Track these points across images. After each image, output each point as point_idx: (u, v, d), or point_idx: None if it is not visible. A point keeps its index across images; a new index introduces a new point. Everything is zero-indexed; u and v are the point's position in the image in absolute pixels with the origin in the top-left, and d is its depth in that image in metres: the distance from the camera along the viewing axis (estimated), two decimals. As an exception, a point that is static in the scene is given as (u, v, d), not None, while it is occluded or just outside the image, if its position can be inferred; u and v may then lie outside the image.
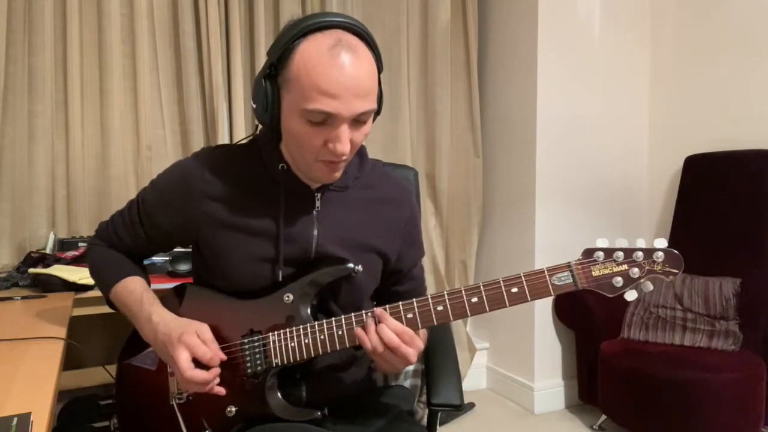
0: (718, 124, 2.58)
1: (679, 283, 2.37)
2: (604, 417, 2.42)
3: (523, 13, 2.71)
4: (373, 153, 1.13)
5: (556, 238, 2.70)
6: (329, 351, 0.97)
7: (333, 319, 0.97)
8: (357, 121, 0.92)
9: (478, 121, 2.92)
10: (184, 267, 1.88)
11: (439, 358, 1.27)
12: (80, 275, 1.69)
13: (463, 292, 0.93)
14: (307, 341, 0.97)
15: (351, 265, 1.01)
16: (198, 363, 0.94)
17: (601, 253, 0.91)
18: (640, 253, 0.90)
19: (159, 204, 1.08)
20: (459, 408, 1.17)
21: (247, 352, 0.99)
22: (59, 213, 2.18)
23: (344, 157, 0.94)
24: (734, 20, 2.50)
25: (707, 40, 2.62)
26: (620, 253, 0.91)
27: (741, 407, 2.02)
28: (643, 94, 2.90)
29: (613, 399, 2.29)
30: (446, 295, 0.94)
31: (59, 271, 1.72)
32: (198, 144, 2.37)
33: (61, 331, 1.19)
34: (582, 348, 2.59)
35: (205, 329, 0.97)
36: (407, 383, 1.37)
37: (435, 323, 0.94)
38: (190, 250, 1.13)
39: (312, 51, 0.87)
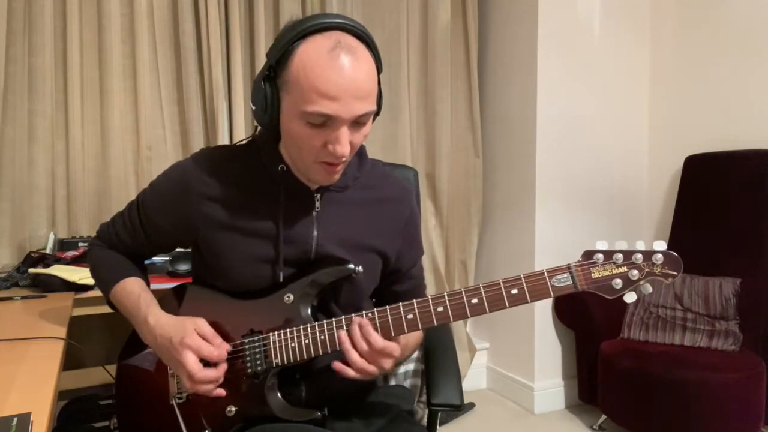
0: (718, 124, 2.58)
1: (679, 283, 2.37)
2: (604, 417, 2.42)
3: (523, 13, 2.71)
4: (373, 153, 1.13)
5: (556, 238, 2.70)
6: (329, 351, 0.97)
7: (333, 319, 0.97)
8: (356, 123, 0.92)
9: (478, 121, 2.92)
10: (184, 267, 1.88)
11: (439, 358, 1.27)
12: (80, 275, 1.69)
13: (463, 293, 0.93)
14: (307, 341, 0.97)
15: (351, 265, 1.01)
16: (204, 361, 0.94)
17: (600, 255, 0.91)
18: (640, 255, 0.90)
19: (158, 205, 1.08)
20: (459, 408, 1.17)
21: (247, 352, 0.99)
22: (59, 213, 2.18)
23: (344, 159, 0.94)
24: (734, 20, 2.50)
25: (707, 40, 2.62)
26: (620, 255, 0.91)
27: (741, 407, 2.02)
28: (643, 94, 2.90)
29: (613, 399, 2.29)
30: (446, 297, 0.94)
31: (59, 271, 1.72)
32: (198, 144, 2.37)
33: (61, 331, 1.19)
34: (582, 348, 2.59)
35: (202, 324, 0.97)
36: (407, 383, 1.37)
37: (435, 324, 0.95)
38: (190, 250, 1.13)
39: (311, 53, 0.87)
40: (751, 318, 2.21)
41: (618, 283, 0.90)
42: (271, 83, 0.93)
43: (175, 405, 1.02)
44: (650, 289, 0.90)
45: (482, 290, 0.93)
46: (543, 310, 2.71)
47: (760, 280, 2.23)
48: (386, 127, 2.76)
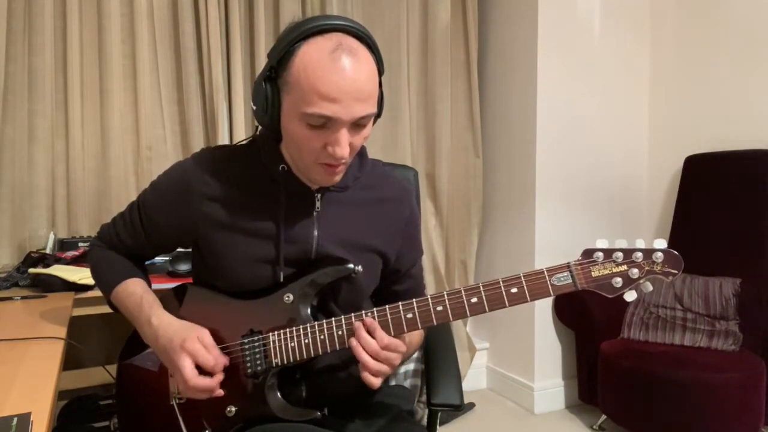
0: (718, 124, 2.58)
1: (679, 283, 2.37)
2: (604, 417, 2.42)
3: (523, 13, 2.71)
4: (373, 153, 1.13)
5: (556, 238, 2.70)
6: (329, 351, 0.97)
7: (333, 319, 0.97)
8: (357, 125, 0.92)
9: (478, 121, 2.92)
10: (184, 267, 1.88)
11: (439, 358, 1.27)
12: (80, 275, 1.69)
13: (462, 292, 0.93)
14: (307, 341, 0.97)
15: (351, 265, 1.01)
16: (201, 369, 0.94)
17: (600, 254, 0.91)
18: (640, 254, 0.90)
19: (159, 205, 1.08)
20: (459, 408, 1.17)
21: (247, 352, 0.99)
22: (59, 213, 2.18)
23: (344, 161, 0.94)
24: (734, 20, 2.50)
25: (707, 40, 2.62)
26: (620, 254, 0.91)
27: (741, 407, 2.02)
28: (643, 94, 2.90)
29: (613, 399, 2.29)
30: (446, 296, 0.94)
31: (59, 271, 1.72)
32: (198, 144, 2.37)
33: (61, 331, 1.19)
34: (582, 348, 2.59)
35: (205, 335, 0.97)
36: (407, 383, 1.37)
37: (434, 323, 0.95)
38: (190, 250, 1.13)
39: (312, 54, 0.87)
40: (751, 318, 2.20)
41: (618, 281, 0.90)
42: (272, 84, 0.93)
43: (175, 405, 1.02)
44: (650, 288, 0.90)
45: (482, 289, 0.93)
46: (543, 310, 2.71)
47: (760, 280, 2.23)
48: (386, 127, 2.76)
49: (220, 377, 0.95)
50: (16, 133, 2.10)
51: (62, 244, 2.02)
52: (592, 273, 0.91)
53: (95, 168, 2.23)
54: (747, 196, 2.35)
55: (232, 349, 1.00)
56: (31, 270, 1.78)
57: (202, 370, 0.94)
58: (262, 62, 2.44)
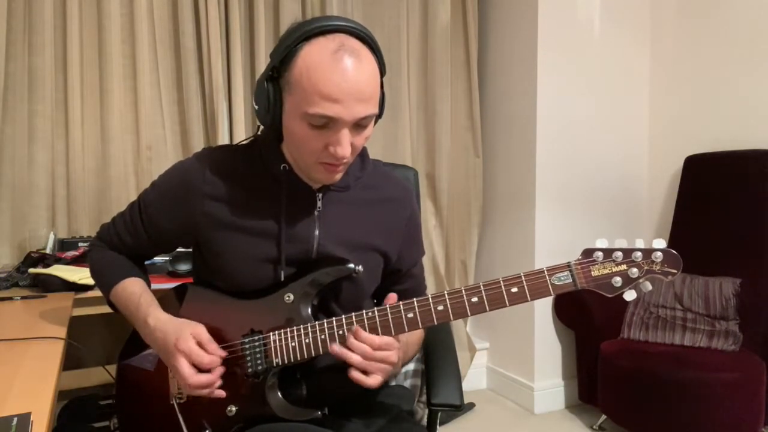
0: (718, 124, 2.58)
1: (679, 283, 2.37)
2: (604, 417, 2.42)
3: (523, 13, 2.71)
4: (373, 153, 1.13)
5: (556, 238, 2.70)
6: (330, 351, 0.97)
7: (334, 318, 0.97)
8: (358, 125, 0.92)
9: (478, 121, 2.92)
10: (184, 267, 1.88)
11: (439, 358, 1.27)
12: (80, 275, 1.69)
13: (463, 292, 0.93)
14: (307, 341, 0.97)
15: (352, 265, 1.01)
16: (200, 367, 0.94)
17: (600, 253, 0.91)
18: (639, 254, 0.90)
19: (160, 204, 1.08)
20: (459, 408, 1.17)
21: (247, 352, 0.99)
22: (59, 213, 2.18)
23: (345, 161, 0.94)
24: (734, 20, 2.51)
25: (707, 41, 2.62)
26: (619, 254, 0.91)
27: (741, 407, 2.02)
28: (643, 94, 2.90)
29: (613, 399, 2.29)
30: (446, 295, 0.94)
31: (59, 271, 1.72)
32: (198, 144, 2.37)
33: (61, 331, 1.19)
34: (582, 348, 2.59)
35: (200, 330, 0.97)
36: (407, 383, 1.37)
37: (435, 323, 0.95)
38: (191, 250, 1.13)
39: (314, 55, 0.88)
40: (751, 318, 2.20)
41: (618, 281, 0.90)
42: (274, 83, 0.93)
43: (175, 405, 1.02)
44: (650, 287, 0.90)
45: (482, 289, 0.93)
46: (543, 310, 2.71)
47: (760, 280, 2.23)
48: (386, 127, 2.76)
49: (219, 371, 0.95)
50: (16, 133, 2.10)
51: (62, 244, 2.01)
52: (592, 272, 0.91)
53: (95, 168, 2.23)
54: (747, 196, 2.35)
55: (232, 348, 1.00)
56: (31, 270, 1.78)
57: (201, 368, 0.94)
58: (262, 62, 2.44)
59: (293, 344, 0.98)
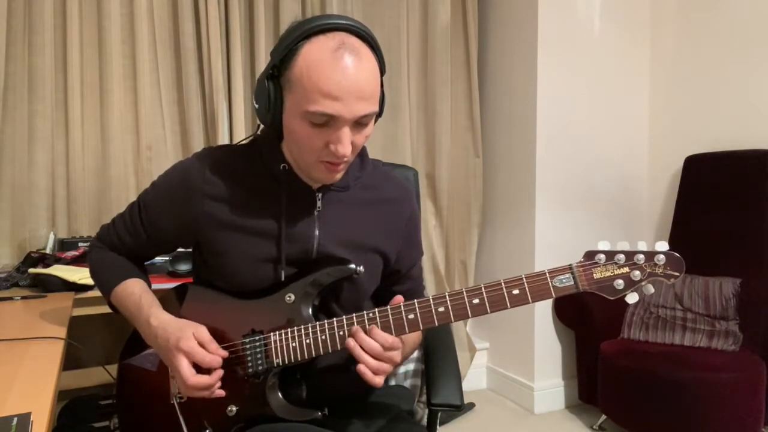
0: (718, 124, 2.58)
1: (679, 283, 2.37)
2: (604, 417, 2.42)
3: (523, 13, 2.71)
4: (373, 153, 1.13)
5: (556, 238, 2.70)
6: (330, 351, 0.97)
7: (334, 319, 0.97)
8: (358, 124, 0.92)
9: (478, 121, 2.92)
10: (184, 267, 1.87)
11: (439, 358, 1.27)
12: (80, 275, 1.69)
13: (464, 293, 0.93)
14: (308, 341, 0.97)
15: (353, 265, 1.01)
16: (200, 367, 0.94)
17: (602, 256, 0.91)
18: (642, 256, 0.90)
19: (160, 205, 1.08)
20: (459, 408, 1.17)
21: (248, 352, 0.99)
22: (59, 213, 2.18)
23: (345, 159, 0.94)
24: (734, 20, 2.51)
25: (707, 41, 2.62)
26: (621, 256, 0.91)
27: (741, 407, 2.02)
28: (643, 94, 2.90)
29: (613, 399, 2.29)
30: (448, 297, 0.94)
31: (59, 271, 1.72)
32: (198, 144, 2.37)
33: (61, 331, 1.19)
34: (582, 348, 2.59)
35: (202, 331, 0.97)
36: (407, 383, 1.38)
37: (436, 324, 0.95)
38: (191, 250, 1.13)
39: (315, 53, 0.88)
40: (751, 318, 2.21)
41: (620, 283, 0.90)
42: (274, 82, 0.93)
43: (176, 405, 1.02)
44: (652, 290, 0.90)
45: (483, 290, 0.93)
46: (543, 310, 2.71)
47: (760, 280, 2.23)
48: (386, 127, 2.76)
49: (219, 373, 0.95)
50: (16, 133, 2.10)
51: (62, 244, 2.01)
52: (594, 275, 0.91)
53: (95, 168, 2.23)
54: (747, 196, 2.35)
55: (233, 348, 1.00)
56: (31, 270, 1.78)
57: (201, 368, 0.94)
58: (262, 62, 2.44)
59: (294, 344, 0.98)
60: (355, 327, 0.95)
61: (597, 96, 2.77)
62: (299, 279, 1.01)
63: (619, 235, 2.72)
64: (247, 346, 0.99)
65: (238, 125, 2.42)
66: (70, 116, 2.16)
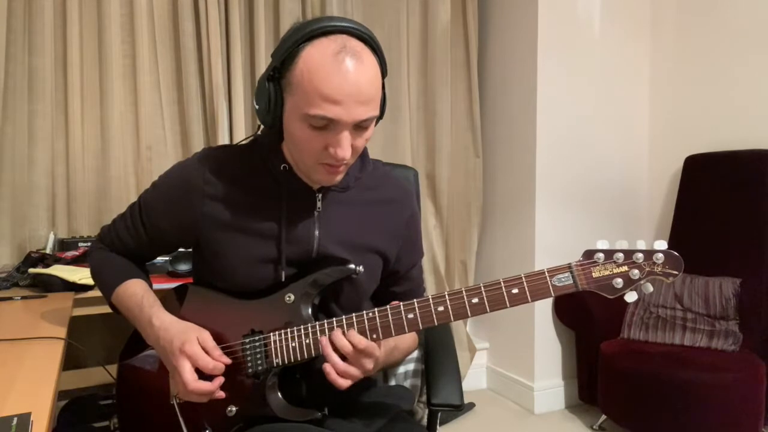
0: (718, 124, 2.58)
1: (679, 283, 2.37)
2: (604, 417, 2.42)
3: (523, 14, 2.71)
4: (373, 153, 1.13)
5: (556, 238, 2.70)
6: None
7: (334, 319, 0.97)
8: (359, 127, 0.92)
9: (478, 121, 2.92)
10: (184, 267, 1.87)
11: (439, 358, 1.27)
12: (80, 275, 1.69)
13: (464, 292, 0.93)
14: (308, 341, 0.97)
15: (352, 266, 1.01)
16: (201, 372, 0.94)
17: (601, 255, 0.91)
18: (641, 255, 0.90)
19: (161, 205, 1.08)
20: (459, 408, 1.17)
21: (248, 352, 0.99)
22: (59, 213, 2.18)
23: (345, 162, 0.94)
24: (734, 20, 2.50)
25: (707, 41, 2.62)
26: (620, 255, 0.91)
27: (741, 407, 2.02)
28: (643, 94, 2.90)
29: (613, 399, 2.29)
30: (447, 296, 0.94)
31: (59, 271, 1.72)
32: (198, 144, 2.37)
33: (61, 331, 1.19)
34: (582, 348, 2.59)
35: (206, 336, 0.97)
36: (407, 383, 1.37)
37: (436, 323, 0.95)
38: (191, 250, 1.13)
39: (316, 56, 0.88)
40: (751, 318, 2.21)
41: (619, 282, 0.90)
42: (275, 84, 0.93)
43: (175, 405, 1.02)
44: (651, 289, 0.90)
45: (483, 290, 0.93)
46: (543, 310, 2.71)
47: (760, 280, 2.23)
48: (386, 127, 2.76)
49: (220, 380, 0.95)
50: (16, 133, 2.10)
51: (62, 244, 2.01)
52: (593, 274, 0.91)
53: (95, 168, 2.23)
54: (747, 196, 2.35)
55: (233, 349, 1.00)
56: (31, 270, 1.78)
57: (202, 373, 0.94)
58: (262, 62, 2.44)
59: (293, 344, 0.98)
60: (336, 328, 0.95)
61: (597, 96, 2.77)
62: (299, 279, 1.01)
63: (619, 235, 2.71)
64: (247, 346, 1.00)
65: (238, 125, 2.42)
66: (70, 116, 2.16)
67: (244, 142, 1.10)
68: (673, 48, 2.78)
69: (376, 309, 0.96)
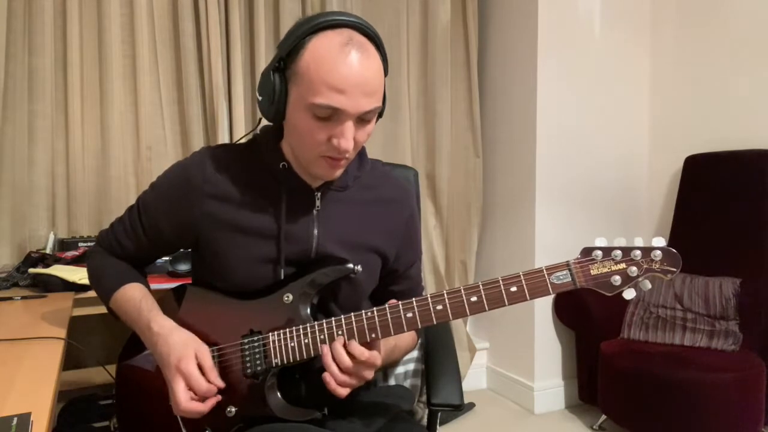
0: (718, 124, 2.58)
1: (679, 283, 2.36)
2: (604, 417, 2.42)
3: (523, 13, 2.71)
4: (373, 153, 1.13)
5: (556, 238, 2.70)
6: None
7: (333, 319, 0.97)
8: (362, 120, 0.93)
9: (478, 121, 2.92)
10: (183, 267, 1.87)
11: (439, 358, 1.27)
12: (80, 275, 1.69)
13: (462, 291, 0.93)
14: (306, 341, 0.97)
15: (351, 265, 1.01)
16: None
17: (599, 252, 0.91)
18: (639, 252, 0.90)
19: (160, 205, 1.08)
20: (459, 408, 1.17)
21: (247, 352, 0.99)
22: (59, 213, 2.18)
23: (347, 154, 0.94)
24: (734, 20, 2.50)
25: (707, 41, 2.62)
26: (618, 252, 0.91)
27: (741, 407, 2.02)
28: (643, 94, 2.90)
29: (613, 399, 2.29)
30: (445, 295, 0.94)
31: (59, 271, 1.72)
32: (198, 144, 2.37)
33: (61, 331, 1.19)
34: (582, 348, 2.59)
35: (204, 354, 0.96)
36: (407, 383, 1.37)
37: (434, 322, 0.94)
38: (190, 250, 1.13)
39: (323, 46, 0.89)
40: (751, 318, 2.20)
41: (617, 279, 0.90)
42: (280, 74, 0.94)
43: (175, 405, 1.02)
44: (649, 286, 0.90)
45: (481, 288, 0.93)
46: (543, 310, 2.71)
47: (760, 280, 2.22)
48: (386, 127, 2.76)
49: (212, 401, 0.94)
50: (16, 133, 2.10)
51: (62, 244, 2.02)
52: (591, 271, 0.91)
53: (95, 168, 2.23)
54: (747, 196, 2.35)
55: (231, 349, 1.00)
56: (31, 270, 1.78)
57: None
58: (262, 62, 2.44)
59: (292, 344, 0.98)
60: (337, 337, 0.94)
61: (597, 96, 2.77)
62: (297, 279, 1.01)
63: (619, 235, 2.70)
64: (246, 346, 0.99)
65: (238, 125, 2.42)
66: (70, 116, 2.16)
67: (243, 141, 1.10)
68: (673, 48, 2.78)
69: (374, 308, 0.96)
